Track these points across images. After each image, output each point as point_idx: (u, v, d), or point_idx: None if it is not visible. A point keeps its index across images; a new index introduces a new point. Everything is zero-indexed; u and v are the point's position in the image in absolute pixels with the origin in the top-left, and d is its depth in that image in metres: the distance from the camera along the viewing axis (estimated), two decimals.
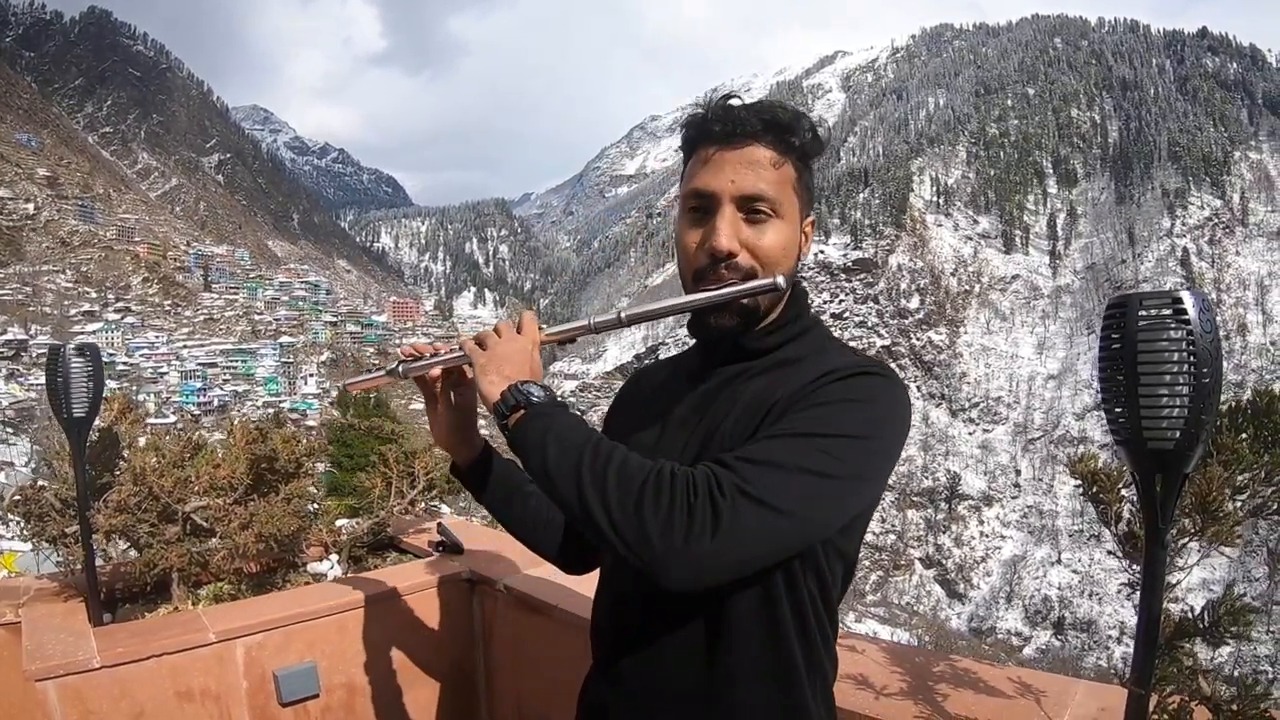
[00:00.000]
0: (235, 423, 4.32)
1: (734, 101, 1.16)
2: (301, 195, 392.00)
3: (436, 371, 1.84)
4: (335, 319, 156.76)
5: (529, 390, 1.52)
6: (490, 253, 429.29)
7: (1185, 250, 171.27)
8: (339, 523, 4.81)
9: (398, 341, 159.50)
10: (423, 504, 5.15)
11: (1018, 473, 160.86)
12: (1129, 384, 1.47)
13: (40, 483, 4.17)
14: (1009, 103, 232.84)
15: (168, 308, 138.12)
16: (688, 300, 1.56)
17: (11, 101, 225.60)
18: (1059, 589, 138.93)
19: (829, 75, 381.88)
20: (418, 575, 4.13)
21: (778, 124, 1.55)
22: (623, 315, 1.63)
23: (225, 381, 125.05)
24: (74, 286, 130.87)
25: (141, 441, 4.18)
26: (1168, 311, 1.44)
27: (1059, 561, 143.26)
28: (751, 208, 1.56)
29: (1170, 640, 1.23)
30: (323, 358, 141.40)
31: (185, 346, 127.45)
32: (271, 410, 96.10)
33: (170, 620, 3.63)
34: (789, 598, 1.47)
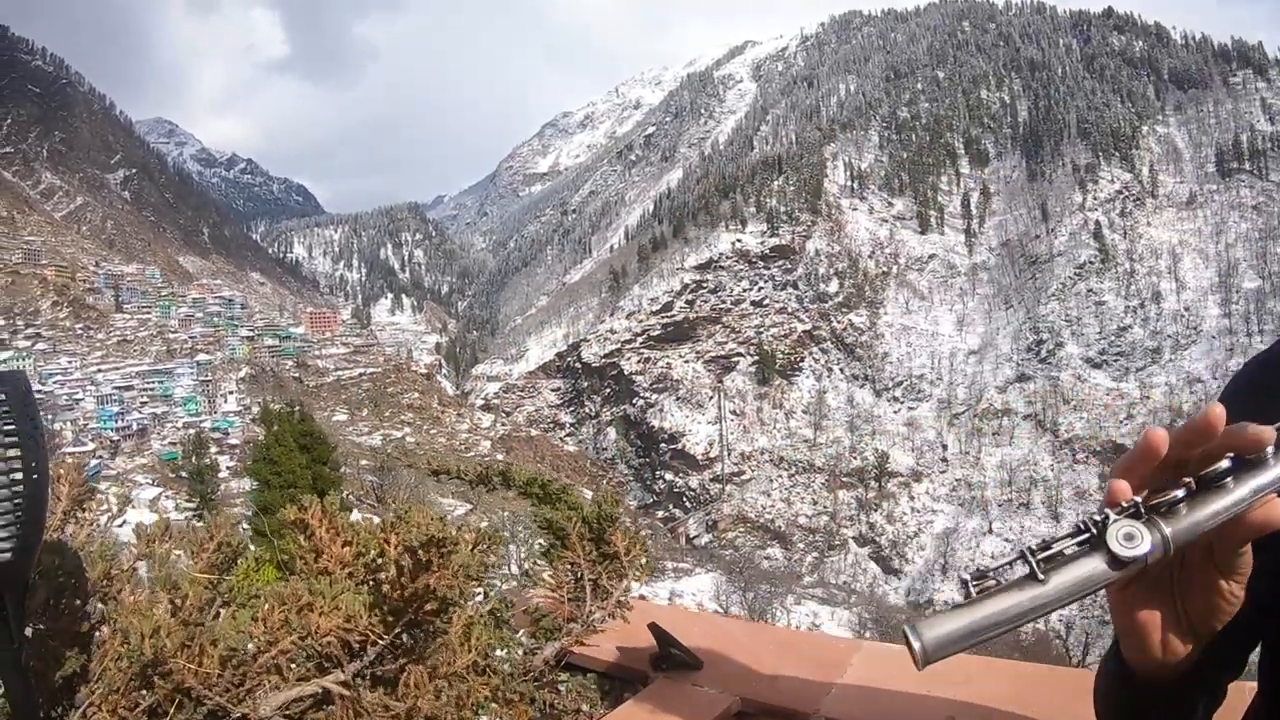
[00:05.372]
0: (320, 502, 2.40)
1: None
2: (211, 208, 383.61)
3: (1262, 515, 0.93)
4: (252, 333, 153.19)
5: None
6: (405, 258, 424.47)
7: (1097, 223, 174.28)
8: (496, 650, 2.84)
9: (316, 353, 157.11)
10: (616, 597, 3.19)
11: (944, 447, 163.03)
12: None
13: None
14: (919, 86, 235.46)
15: (79, 331, 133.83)
16: None
17: None
18: (992, 558, 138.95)
19: (739, 65, 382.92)
20: None
21: None
22: None
23: (143, 404, 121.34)
24: None
25: (126, 561, 2.37)
26: None
27: (990, 531, 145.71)
28: None
29: None
30: (241, 374, 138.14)
31: (100, 370, 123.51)
32: (193, 431, 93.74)
33: None
34: None
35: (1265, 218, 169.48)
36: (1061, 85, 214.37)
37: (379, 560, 2.20)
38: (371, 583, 2.21)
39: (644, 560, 3.00)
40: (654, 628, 3.03)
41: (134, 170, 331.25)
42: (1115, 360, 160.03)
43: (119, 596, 2.20)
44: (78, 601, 2.10)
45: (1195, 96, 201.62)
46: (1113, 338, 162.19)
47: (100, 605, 2.23)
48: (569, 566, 3.05)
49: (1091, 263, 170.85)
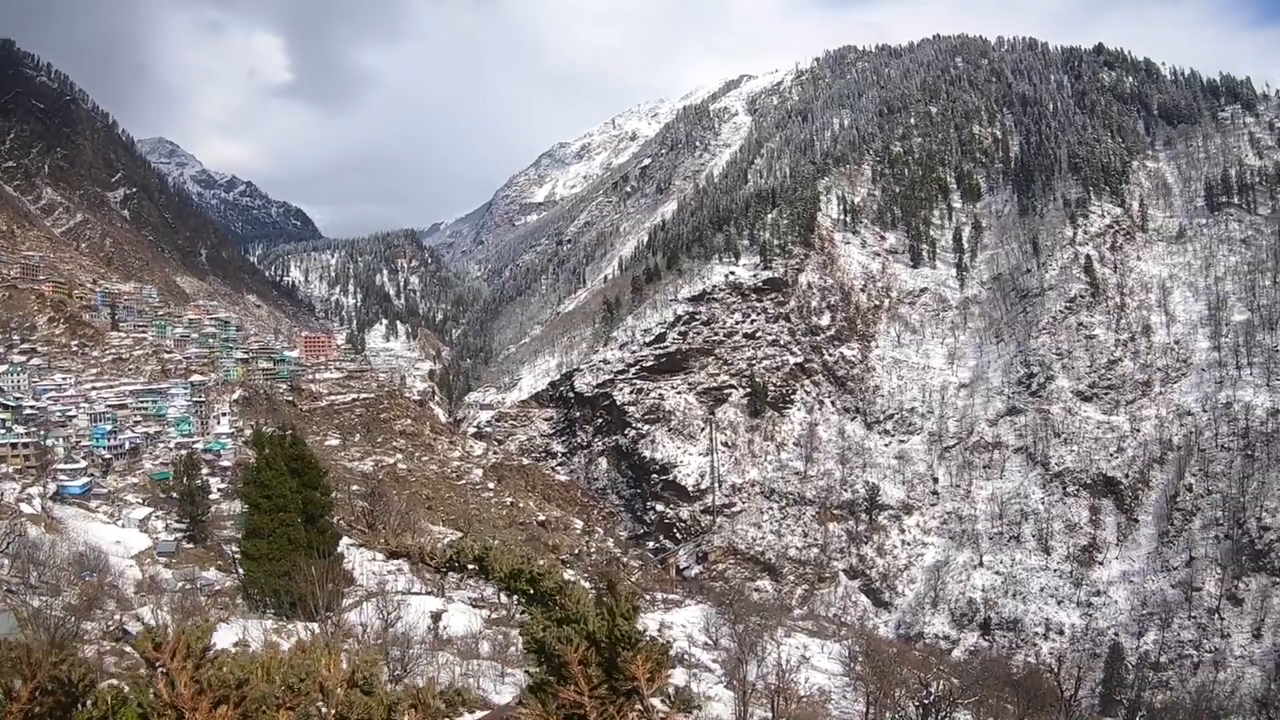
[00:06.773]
0: (182, 635, 1.45)
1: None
2: (209, 230, 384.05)
3: None
4: (247, 356, 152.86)
5: None
6: (401, 284, 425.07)
7: (1088, 257, 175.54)
8: None
9: (310, 377, 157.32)
10: None
11: (935, 480, 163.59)
12: None
13: None
14: (912, 121, 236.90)
15: (75, 348, 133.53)
16: None
17: None
18: (983, 591, 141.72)
19: (735, 99, 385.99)
20: None
21: None
22: None
23: (136, 423, 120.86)
24: None
25: None
26: None
27: (981, 564, 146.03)
28: None
29: None
30: (235, 396, 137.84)
31: (94, 388, 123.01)
32: (185, 452, 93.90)
33: None
34: None
35: (1254, 251, 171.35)
36: (1053, 120, 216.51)
37: None
38: None
39: (671, 690, 2.15)
40: None
41: (134, 189, 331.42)
42: (1106, 393, 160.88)
43: None
44: None
45: (1185, 131, 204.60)
46: (1103, 371, 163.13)
47: None
48: (568, 705, 2.18)
49: (1082, 296, 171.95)
